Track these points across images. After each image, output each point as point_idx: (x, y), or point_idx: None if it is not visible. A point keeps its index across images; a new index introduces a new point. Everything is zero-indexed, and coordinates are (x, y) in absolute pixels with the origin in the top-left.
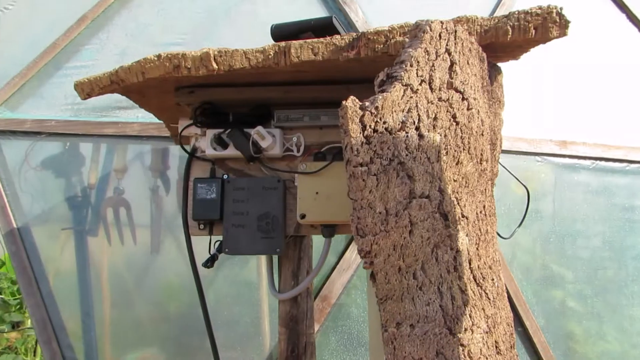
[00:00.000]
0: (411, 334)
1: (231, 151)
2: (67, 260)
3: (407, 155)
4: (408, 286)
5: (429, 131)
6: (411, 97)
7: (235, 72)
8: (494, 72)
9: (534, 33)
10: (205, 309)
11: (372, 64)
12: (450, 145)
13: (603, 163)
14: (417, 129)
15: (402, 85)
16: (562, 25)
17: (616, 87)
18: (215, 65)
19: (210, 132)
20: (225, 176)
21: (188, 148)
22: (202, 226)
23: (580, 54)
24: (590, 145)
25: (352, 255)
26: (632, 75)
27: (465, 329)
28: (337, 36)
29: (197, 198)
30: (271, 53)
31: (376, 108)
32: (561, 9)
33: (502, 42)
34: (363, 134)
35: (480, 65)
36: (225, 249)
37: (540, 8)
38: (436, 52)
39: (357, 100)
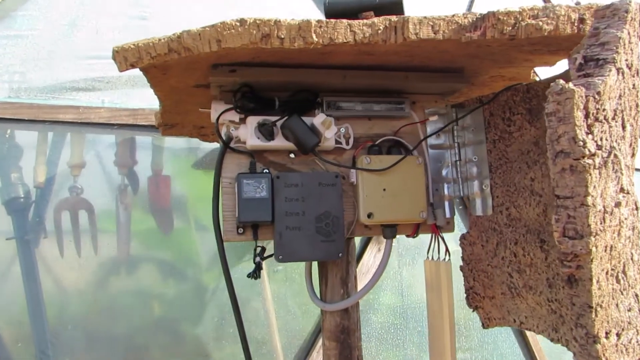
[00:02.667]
0: (618, 343)
1: (279, 142)
2: (9, 279)
3: (618, 146)
4: (613, 291)
5: (628, 120)
6: (621, 82)
7: (287, 51)
8: None
9: None
10: (241, 327)
11: (435, 52)
12: (633, 135)
13: None
14: (622, 118)
15: (616, 69)
16: None
17: None
18: (315, 38)
19: (253, 120)
20: (265, 170)
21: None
22: (241, 230)
23: None
24: None
25: (371, 259)
26: None
27: None
28: (459, 14)
29: (244, 197)
30: (380, 27)
31: (598, 93)
32: None
33: None
34: (586, 123)
35: None
36: (279, 256)
37: None
38: (632, 35)
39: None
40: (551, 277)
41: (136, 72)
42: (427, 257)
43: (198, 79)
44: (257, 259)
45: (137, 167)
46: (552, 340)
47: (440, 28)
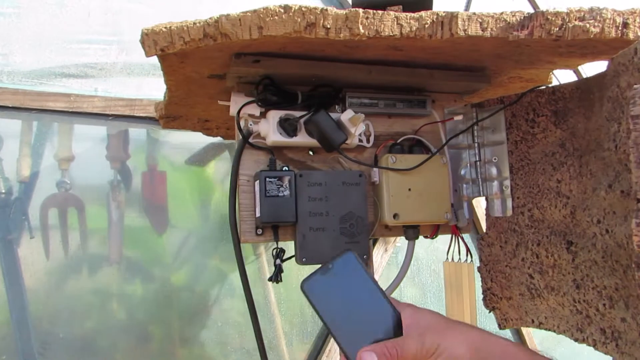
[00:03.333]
0: None
1: (302, 138)
2: None
3: None
4: None
5: None
6: None
7: (314, 43)
8: None
9: None
10: (259, 334)
11: (465, 51)
12: None
13: None
14: None
15: None
16: None
17: None
18: (361, 29)
19: (275, 114)
20: (285, 168)
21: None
22: (260, 231)
23: None
24: None
25: (379, 258)
26: None
27: None
28: (507, 12)
29: (267, 196)
30: (427, 22)
31: None
32: None
33: None
34: None
35: None
36: (303, 258)
37: None
38: None
39: None
40: (579, 278)
41: (132, 59)
42: (447, 258)
43: (215, 69)
44: (278, 261)
45: (131, 162)
46: (576, 340)
47: (488, 25)
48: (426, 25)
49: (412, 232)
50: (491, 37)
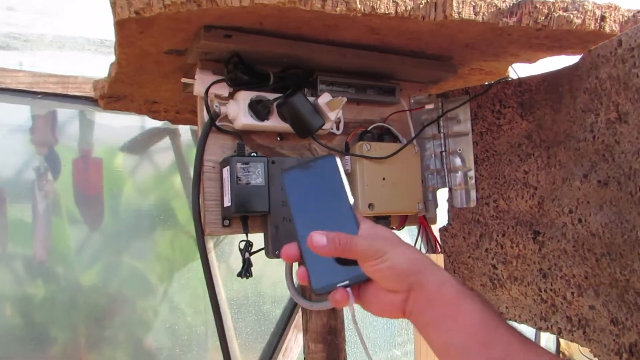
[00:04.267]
0: None
1: (274, 122)
2: None
3: None
4: None
5: None
6: None
7: (292, 19)
8: None
9: None
10: (223, 335)
11: (433, 37)
12: None
13: None
14: None
15: None
16: None
17: None
18: (358, 5)
19: (246, 95)
20: (253, 154)
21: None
22: (227, 222)
23: None
24: None
25: None
26: None
27: None
28: None
29: (239, 184)
30: (423, 2)
31: None
32: None
33: None
34: None
35: None
36: (275, 251)
37: None
38: None
39: None
40: (546, 267)
41: (64, 31)
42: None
43: (176, 43)
44: (247, 254)
45: (60, 147)
46: (539, 329)
47: (480, 10)
48: (421, 6)
49: (383, 223)
50: (482, 22)
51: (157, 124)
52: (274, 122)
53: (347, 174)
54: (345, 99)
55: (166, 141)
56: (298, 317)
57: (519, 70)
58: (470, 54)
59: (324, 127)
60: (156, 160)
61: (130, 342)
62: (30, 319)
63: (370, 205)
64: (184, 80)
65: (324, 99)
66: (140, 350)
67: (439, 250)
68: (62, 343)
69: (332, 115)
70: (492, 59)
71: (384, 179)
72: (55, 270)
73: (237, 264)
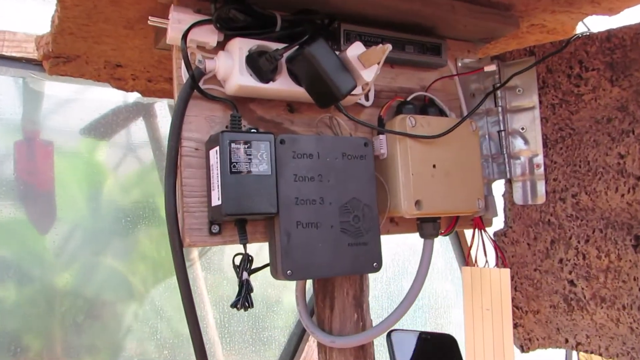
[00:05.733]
0: None
1: (283, 85)
2: None
3: None
4: None
5: None
6: None
7: None
8: None
9: None
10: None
11: None
12: None
13: None
14: None
15: None
16: None
17: None
18: None
19: (243, 45)
20: (253, 130)
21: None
22: (216, 228)
23: None
24: None
25: None
26: None
27: None
28: None
29: (233, 172)
30: None
31: None
32: None
33: None
34: None
35: None
36: (288, 270)
37: None
38: None
39: None
40: None
41: None
42: (471, 261)
43: None
44: (244, 275)
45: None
46: None
47: None
48: None
49: (431, 226)
50: None
51: (127, 97)
52: (283, 85)
53: (382, 160)
54: (389, 46)
55: (140, 123)
56: (308, 349)
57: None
58: (538, 0)
59: (354, 93)
60: (138, 150)
61: (110, 349)
62: (1, 325)
63: (418, 203)
64: (152, 20)
65: (355, 49)
66: (121, 358)
67: (507, 263)
68: (36, 351)
69: (368, 74)
70: (563, 9)
71: (434, 166)
72: (28, 272)
73: (219, 276)
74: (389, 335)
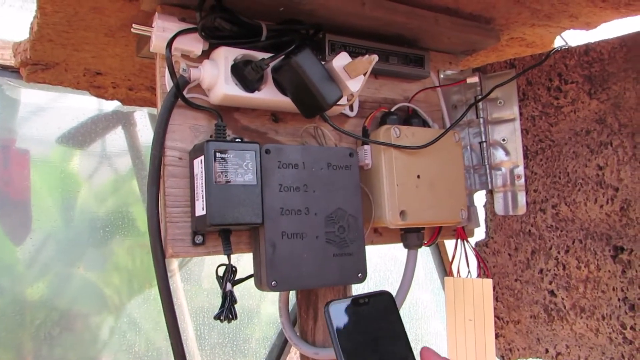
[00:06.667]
0: None
1: (268, 94)
2: None
3: None
4: None
5: None
6: None
7: None
8: None
9: None
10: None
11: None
12: None
13: None
14: None
15: None
16: None
17: None
18: None
19: (229, 54)
20: (238, 140)
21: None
22: (199, 239)
23: None
24: None
25: None
26: None
27: None
28: None
29: (218, 183)
30: None
31: None
32: None
33: None
34: None
35: None
36: (272, 281)
37: None
38: None
39: None
40: (635, 297)
41: None
42: (452, 272)
43: None
44: (228, 286)
45: None
46: None
47: None
48: None
49: (416, 237)
50: None
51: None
52: (268, 94)
53: (367, 171)
54: (376, 57)
55: (119, 132)
56: None
57: (570, 40)
58: (518, 14)
59: (339, 103)
60: (114, 159)
61: None
62: None
63: (402, 214)
64: (135, 28)
65: (341, 60)
66: None
67: (490, 273)
68: None
69: (354, 84)
70: (542, 23)
71: (418, 176)
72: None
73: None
74: (325, 308)
